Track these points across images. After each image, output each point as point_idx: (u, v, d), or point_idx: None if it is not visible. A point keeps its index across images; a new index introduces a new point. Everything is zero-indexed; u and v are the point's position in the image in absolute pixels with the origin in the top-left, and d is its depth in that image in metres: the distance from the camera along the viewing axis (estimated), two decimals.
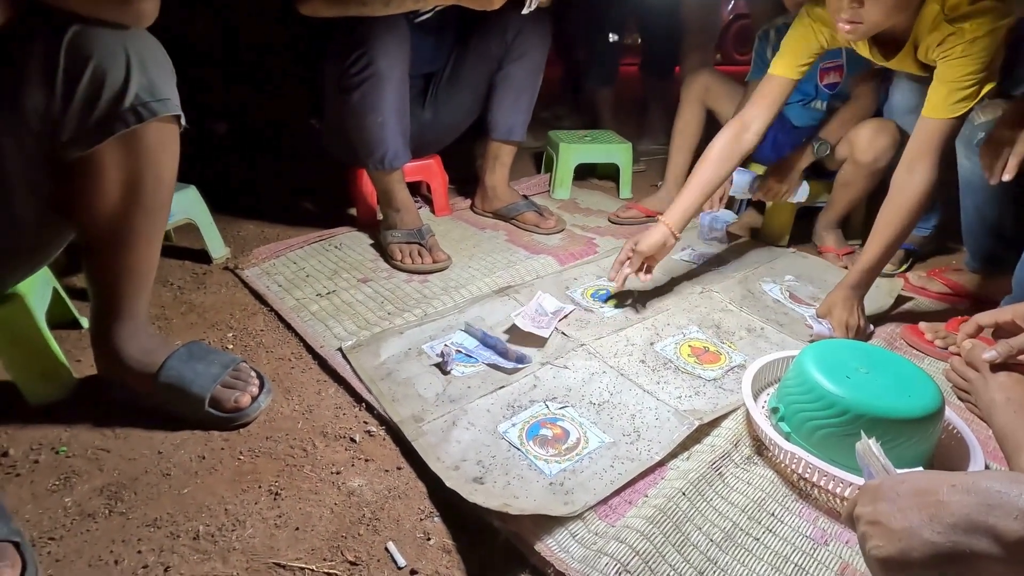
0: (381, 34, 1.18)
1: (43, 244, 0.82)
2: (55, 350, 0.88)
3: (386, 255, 1.33)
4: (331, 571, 0.65)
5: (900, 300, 1.22)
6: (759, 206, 1.63)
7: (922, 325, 1.09)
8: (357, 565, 0.66)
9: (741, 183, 1.44)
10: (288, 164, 1.89)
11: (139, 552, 0.66)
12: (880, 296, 1.21)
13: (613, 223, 1.58)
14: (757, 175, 1.44)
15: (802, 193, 1.41)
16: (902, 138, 1.26)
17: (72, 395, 0.89)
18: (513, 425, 0.85)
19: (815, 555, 0.67)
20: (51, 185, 0.73)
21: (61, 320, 1.04)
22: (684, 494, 0.73)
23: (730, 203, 1.58)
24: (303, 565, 0.65)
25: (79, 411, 0.86)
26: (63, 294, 1.03)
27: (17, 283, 0.84)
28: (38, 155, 0.71)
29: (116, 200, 0.74)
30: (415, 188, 1.61)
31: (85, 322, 1.06)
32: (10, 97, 0.67)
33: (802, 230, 1.51)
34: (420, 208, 1.53)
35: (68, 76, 0.66)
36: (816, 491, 0.76)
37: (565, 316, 1.11)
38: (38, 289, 0.90)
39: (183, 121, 0.76)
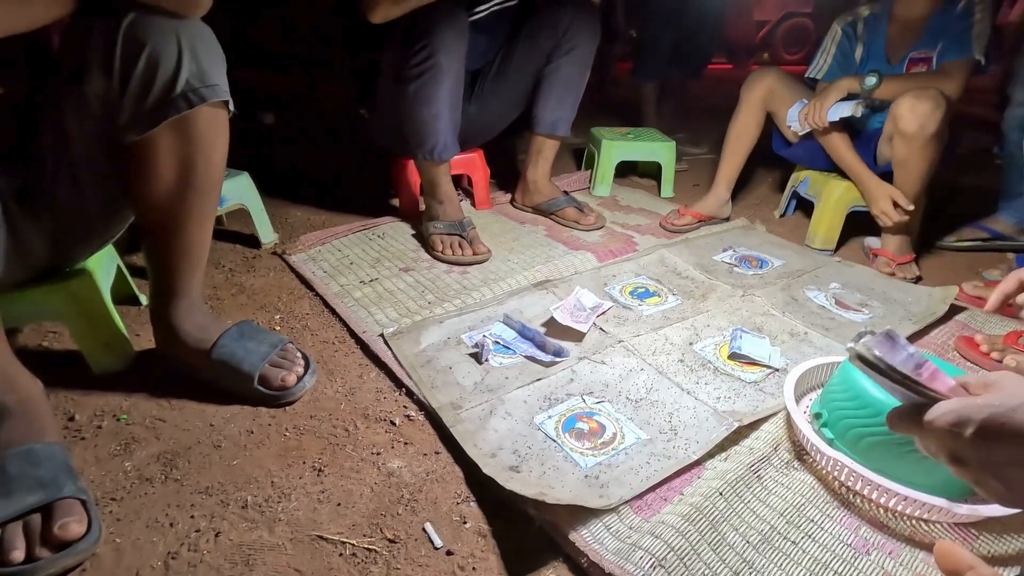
0: (443, 28, 1.20)
1: (108, 222, 0.87)
2: (118, 323, 0.93)
3: (427, 246, 1.35)
4: (371, 547, 0.67)
5: (954, 309, 1.18)
6: (807, 208, 1.59)
7: (978, 337, 1.05)
8: (395, 543, 0.67)
9: (792, 114, 1.43)
10: (335, 153, 1.94)
11: (192, 517, 0.70)
12: (933, 303, 1.17)
13: (667, 230, 1.53)
14: (805, 102, 1.41)
15: (841, 109, 1.33)
16: (947, 103, 1.21)
17: (132, 366, 0.94)
18: (549, 417, 0.86)
19: (856, 564, 0.66)
20: (112, 167, 0.78)
21: (123, 296, 1.10)
22: (721, 494, 0.72)
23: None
24: (344, 539, 0.67)
25: (138, 382, 0.91)
26: (125, 272, 1.08)
27: (87, 258, 0.90)
28: (100, 138, 0.75)
29: (170, 182, 0.78)
30: (457, 181, 1.63)
31: (144, 299, 1.11)
32: (76, 82, 0.71)
33: (848, 237, 1.47)
34: (461, 201, 1.55)
35: (124, 62, 0.69)
36: (859, 499, 0.74)
37: (603, 312, 1.11)
38: (104, 265, 0.96)
39: (231, 107, 0.79)
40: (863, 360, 0.48)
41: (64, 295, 0.87)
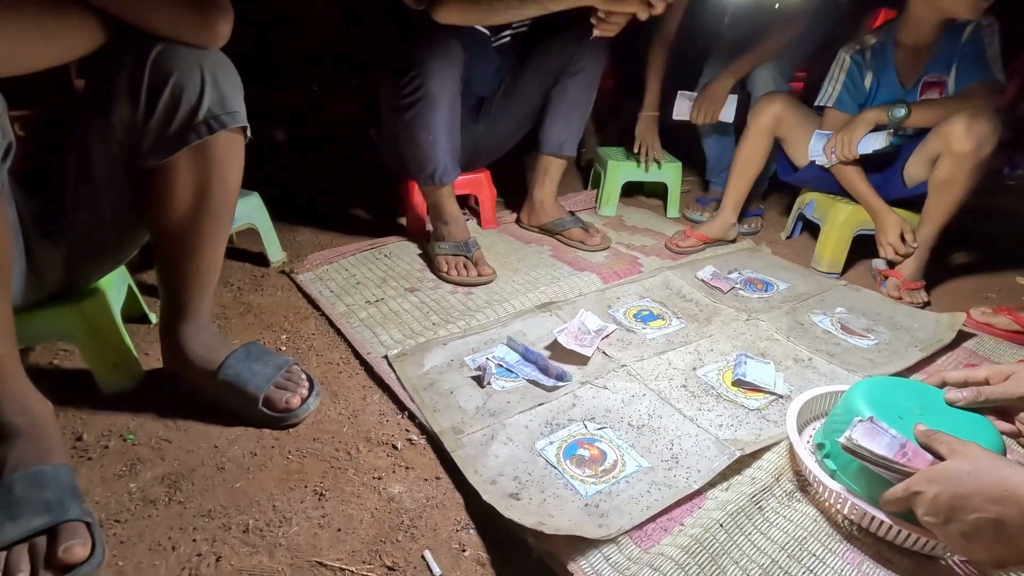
0: (433, 57, 1.23)
1: (123, 244, 0.89)
2: (128, 343, 0.95)
3: (433, 266, 1.36)
4: (369, 574, 0.67)
5: (961, 336, 1.17)
6: (813, 230, 1.58)
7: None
8: (394, 570, 0.68)
9: (816, 148, 1.43)
10: (344, 172, 1.97)
11: (194, 540, 0.70)
12: (940, 330, 1.16)
13: (672, 251, 1.53)
14: (826, 134, 1.43)
15: (872, 142, 1.35)
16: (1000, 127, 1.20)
17: (140, 386, 0.95)
18: (551, 443, 0.86)
19: None
20: (131, 190, 0.80)
21: (133, 315, 1.11)
22: (722, 526, 0.72)
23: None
24: (343, 566, 0.68)
25: (145, 401, 0.92)
26: (136, 291, 1.10)
27: (99, 279, 0.91)
28: (122, 163, 0.77)
29: (186, 206, 0.80)
30: (463, 201, 1.65)
31: (154, 317, 1.13)
32: (103, 110, 0.74)
33: (854, 260, 1.46)
34: (468, 220, 1.57)
35: (151, 91, 0.72)
36: (862, 534, 0.73)
37: (607, 335, 1.12)
38: (116, 285, 0.98)
39: (248, 132, 0.81)
40: (849, 451, 0.60)
41: (75, 316, 0.88)
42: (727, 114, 1.64)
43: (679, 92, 1.70)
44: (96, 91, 0.74)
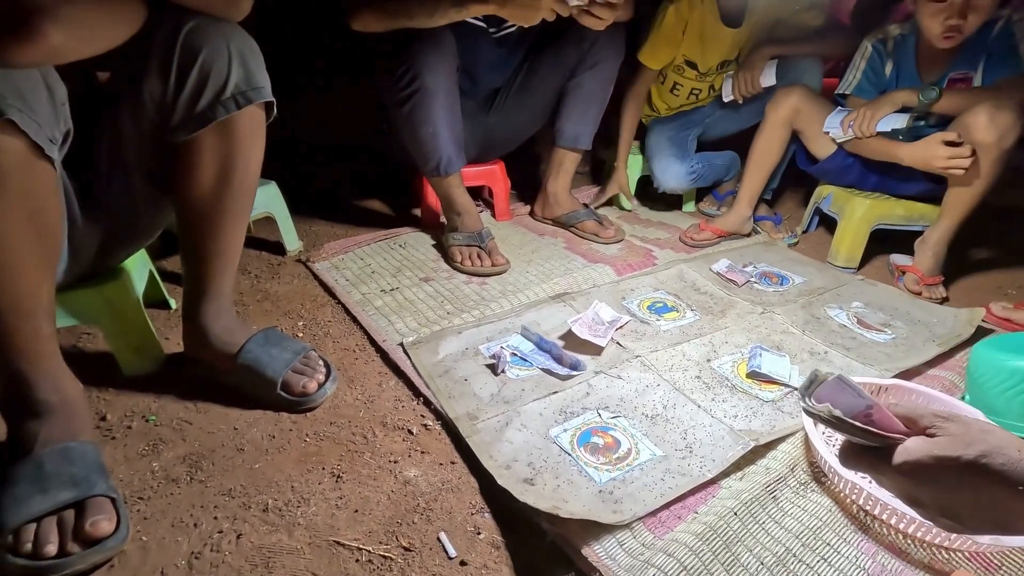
0: (425, 50, 1.23)
1: (151, 224, 0.92)
2: (149, 326, 0.96)
3: (447, 256, 1.37)
4: (386, 554, 0.68)
5: (980, 331, 1.15)
6: (830, 225, 1.57)
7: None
8: (410, 551, 0.69)
9: (833, 121, 1.40)
10: (359, 165, 1.98)
11: (215, 518, 0.72)
12: (959, 325, 1.15)
13: (686, 245, 1.53)
14: (845, 110, 1.39)
15: (892, 120, 1.31)
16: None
17: (161, 369, 0.97)
18: (564, 431, 0.86)
19: None
20: (159, 166, 0.82)
21: (154, 300, 1.13)
22: (736, 514, 0.72)
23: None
24: (361, 546, 0.69)
25: (166, 384, 0.94)
26: (157, 276, 1.12)
27: (123, 260, 0.93)
28: (151, 139, 0.79)
29: (210, 182, 0.82)
30: (477, 192, 1.65)
31: (174, 303, 1.15)
32: (135, 87, 0.76)
33: (871, 255, 1.45)
34: (481, 212, 1.57)
35: (180, 68, 0.74)
36: (877, 524, 0.73)
37: (621, 326, 1.12)
38: (138, 269, 0.99)
39: (275, 109, 0.83)
40: (810, 415, 0.50)
41: (100, 299, 0.90)
42: (767, 79, 1.55)
43: (726, 75, 1.64)
44: (128, 68, 0.76)
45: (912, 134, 1.32)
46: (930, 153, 1.26)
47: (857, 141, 1.40)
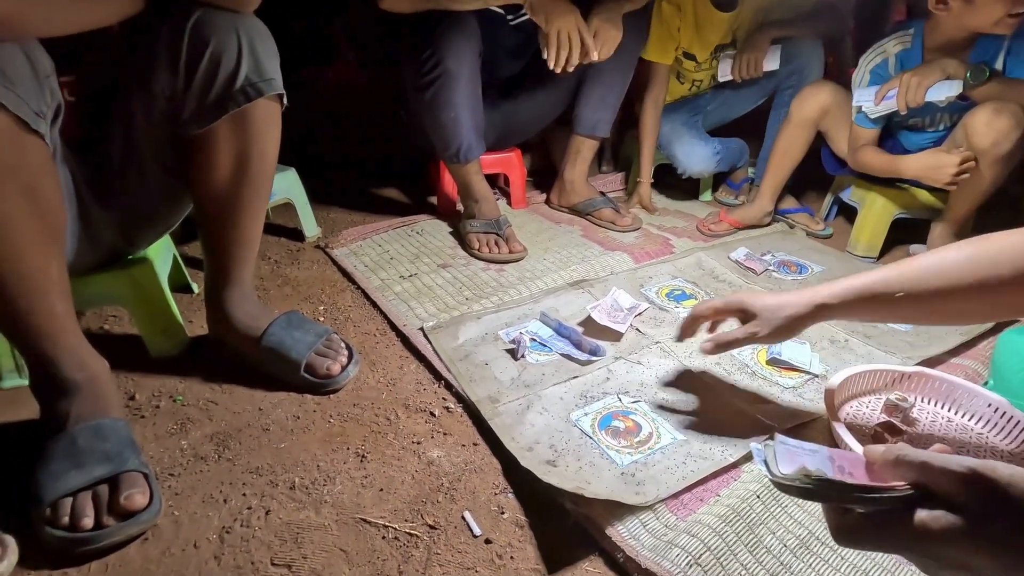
0: (449, 34, 1.23)
1: (170, 211, 0.92)
2: (174, 310, 0.98)
3: (464, 243, 1.38)
4: (412, 532, 0.69)
5: (1003, 322, 1.14)
6: (849, 214, 1.56)
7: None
8: (436, 529, 0.70)
9: (866, 94, 1.32)
10: (377, 153, 1.98)
11: (244, 495, 0.73)
12: None
13: (704, 234, 1.52)
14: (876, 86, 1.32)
15: (943, 89, 1.22)
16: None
17: (186, 351, 0.99)
18: (585, 414, 0.87)
19: (896, 573, 0.65)
20: (174, 158, 0.82)
21: (178, 284, 1.15)
22: (758, 497, 0.72)
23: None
24: (387, 523, 0.70)
25: (192, 366, 0.95)
26: (180, 261, 1.13)
27: (149, 245, 0.94)
28: (164, 132, 0.79)
29: (227, 173, 0.82)
30: (493, 180, 1.65)
31: (197, 287, 1.16)
32: (143, 80, 0.75)
33: (891, 245, 1.44)
34: (498, 199, 1.57)
35: (189, 60, 0.73)
36: None
37: (640, 313, 1.12)
38: (163, 254, 1.01)
39: (285, 100, 0.82)
40: (783, 488, 0.41)
41: (126, 281, 0.91)
42: (771, 62, 1.51)
43: (722, 55, 1.62)
44: (136, 62, 0.76)
45: (949, 109, 1.28)
46: (938, 165, 1.23)
47: (859, 160, 1.37)
